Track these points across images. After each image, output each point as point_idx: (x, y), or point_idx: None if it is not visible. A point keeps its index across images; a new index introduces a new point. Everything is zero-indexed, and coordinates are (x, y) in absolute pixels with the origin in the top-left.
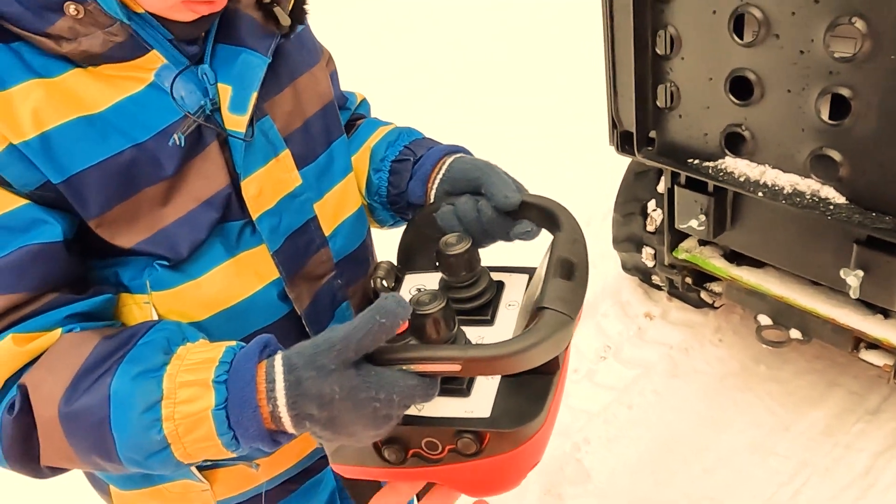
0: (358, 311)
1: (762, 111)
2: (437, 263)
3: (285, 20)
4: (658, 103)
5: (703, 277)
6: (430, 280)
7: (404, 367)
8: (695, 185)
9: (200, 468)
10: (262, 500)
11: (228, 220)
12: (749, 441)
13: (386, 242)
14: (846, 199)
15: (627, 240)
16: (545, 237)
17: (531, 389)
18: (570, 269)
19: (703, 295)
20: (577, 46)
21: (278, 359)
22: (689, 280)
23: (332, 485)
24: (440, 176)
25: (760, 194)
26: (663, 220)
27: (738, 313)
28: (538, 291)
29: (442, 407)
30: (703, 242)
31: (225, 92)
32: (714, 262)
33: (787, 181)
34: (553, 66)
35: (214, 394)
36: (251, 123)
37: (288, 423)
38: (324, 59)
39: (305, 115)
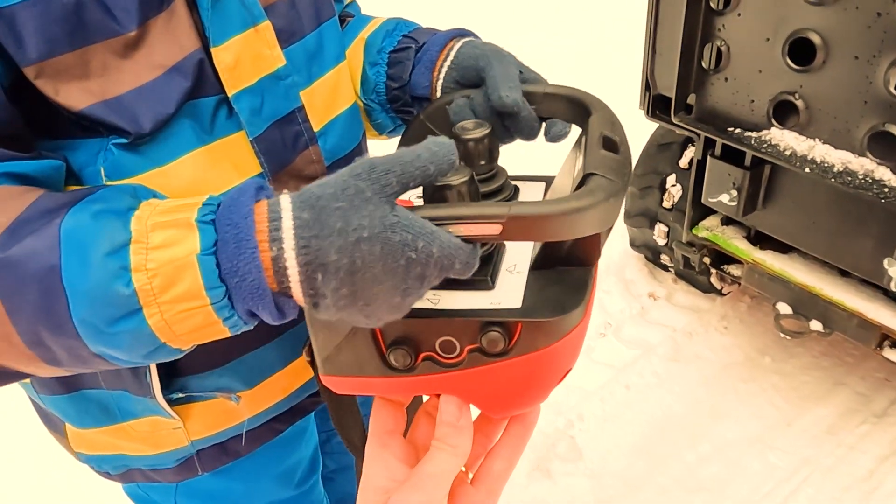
0: None
1: (821, 79)
2: None
3: None
4: (703, 64)
5: (721, 258)
6: None
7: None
8: (730, 157)
9: (172, 403)
10: (243, 441)
11: (201, 94)
12: (749, 433)
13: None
14: None
15: (641, 214)
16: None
17: (566, 281)
18: (612, 144)
19: (713, 279)
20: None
21: (285, 196)
22: (707, 260)
23: (316, 439)
24: (448, 63)
25: (808, 170)
26: (685, 194)
27: (745, 302)
28: (577, 166)
29: (462, 300)
30: (725, 221)
31: None
32: (736, 244)
33: (837, 158)
34: (578, 14)
35: (199, 234)
36: None
37: (294, 276)
38: None
39: None
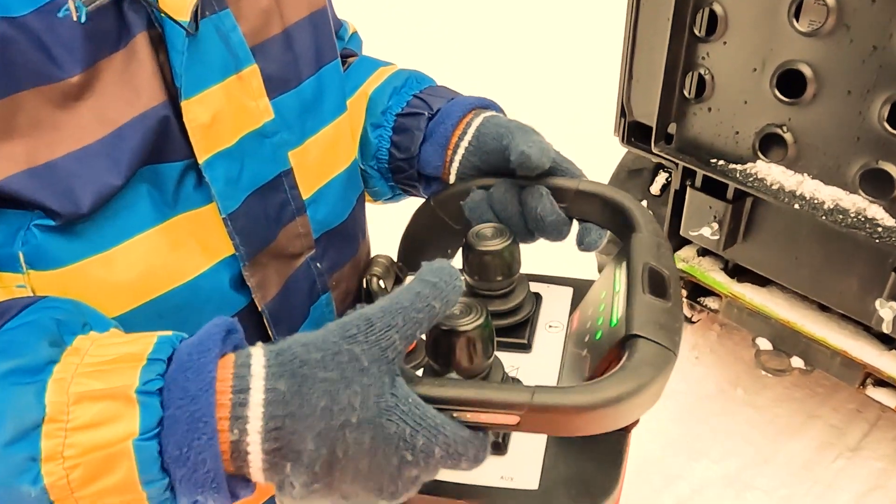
0: (343, 312)
1: (811, 113)
2: (464, 262)
3: None
4: (685, 93)
5: (698, 290)
6: None
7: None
8: (711, 189)
9: None
10: None
11: (162, 159)
12: (725, 471)
13: (383, 222)
14: None
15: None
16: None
17: (594, 451)
18: (660, 283)
19: (684, 308)
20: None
21: (258, 354)
22: (684, 291)
23: None
24: (465, 142)
25: (797, 206)
26: (660, 224)
27: (715, 330)
28: (618, 310)
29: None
30: (702, 252)
31: None
32: (714, 276)
33: (828, 195)
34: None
35: (140, 411)
36: (200, 13)
37: (256, 464)
38: None
39: (287, 21)
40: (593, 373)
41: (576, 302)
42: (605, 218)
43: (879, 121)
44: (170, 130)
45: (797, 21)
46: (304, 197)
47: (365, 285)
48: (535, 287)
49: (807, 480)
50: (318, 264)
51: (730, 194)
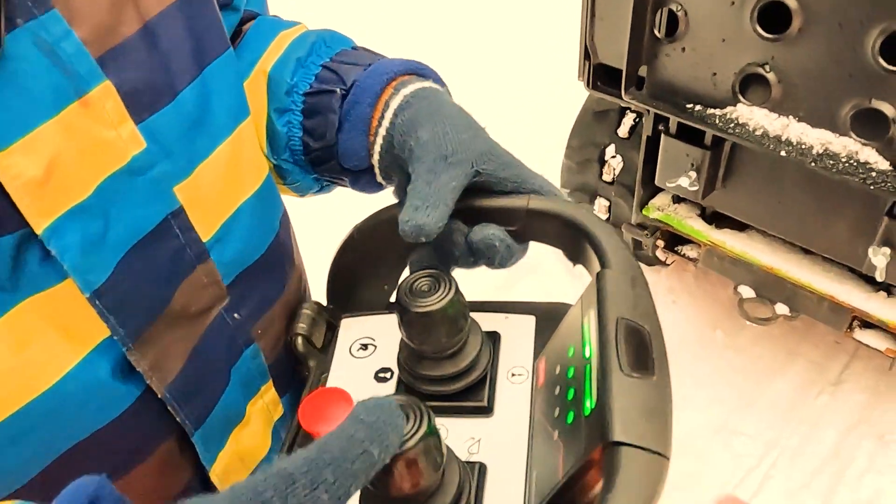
0: (275, 361)
1: (798, 49)
2: (400, 323)
3: None
4: (655, 32)
5: (675, 239)
6: (382, 328)
7: None
8: (687, 136)
9: None
10: None
11: None
12: (712, 420)
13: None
14: (891, 165)
15: (580, 190)
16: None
17: None
18: (640, 347)
19: (658, 252)
20: None
21: None
22: (660, 243)
23: None
24: (384, 129)
25: (784, 153)
26: (629, 168)
27: (689, 271)
28: (591, 391)
29: None
30: (677, 199)
31: None
32: (691, 224)
33: (816, 139)
34: None
35: None
36: (6, 23)
37: None
38: None
39: (146, 12)
40: (568, 475)
41: (540, 335)
42: (564, 241)
43: (873, 55)
44: None
45: None
46: (205, 238)
47: (292, 346)
48: (489, 322)
49: (792, 421)
50: (234, 315)
51: (708, 140)
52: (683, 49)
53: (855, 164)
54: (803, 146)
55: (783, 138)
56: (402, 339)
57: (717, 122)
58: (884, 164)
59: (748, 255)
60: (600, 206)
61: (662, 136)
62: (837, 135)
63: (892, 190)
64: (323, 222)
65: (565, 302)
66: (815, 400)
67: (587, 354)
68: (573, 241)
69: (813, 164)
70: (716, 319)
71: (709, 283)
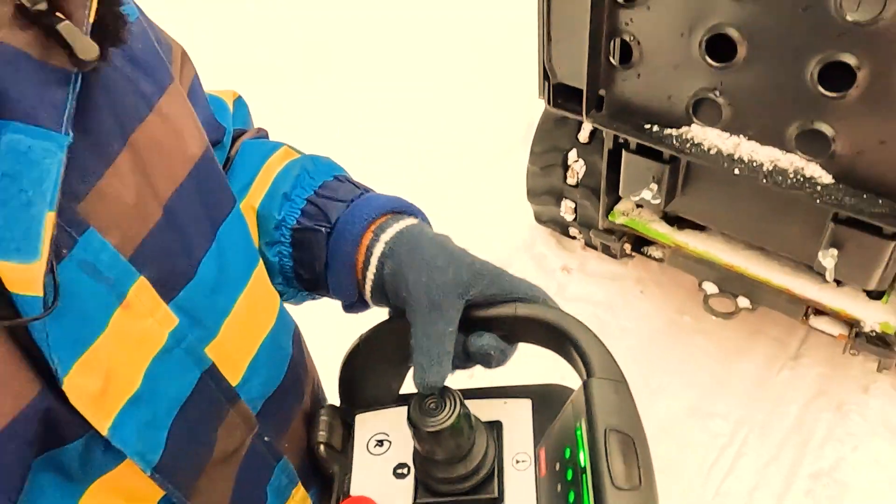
0: (301, 469)
1: (744, 76)
2: (414, 437)
3: (88, 49)
4: (611, 60)
5: (641, 241)
6: (394, 422)
7: None
8: (648, 151)
9: None
10: None
11: (57, 443)
12: (687, 404)
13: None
14: (833, 179)
15: (546, 193)
16: None
17: None
18: (628, 457)
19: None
20: None
21: None
22: (627, 246)
23: None
24: (371, 273)
25: (737, 171)
26: (599, 176)
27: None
28: (588, 499)
29: None
30: (640, 203)
31: None
32: (655, 227)
33: (766, 156)
34: None
35: None
36: (56, 257)
37: None
38: (176, 72)
39: (163, 195)
40: None
41: (537, 418)
42: (550, 343)
43: (812, 82)
44: (57, 416)
45: None
46: (234, 383)
47: (315, 450)
48: (489, 409)
49: (759, 398)
50: (265, 439)
51: (667, 155)
52: (639, 75)
53: (802, 178)
54: (754, 163)
55: (735, 156)
56: (413, 448)
57: (674, 142)
58: (827, 178)
59: (710, 254)
60: (566, 207)
61: (624, 151)
62: (785, 152)
63: (836, 202)
64: (328, 317)
65: (556, 383)
66: (777, 376)
67: (582, 462)
68: (558, 343)
69: (764, 180)
70: (682, 305)
71: (674, 271)
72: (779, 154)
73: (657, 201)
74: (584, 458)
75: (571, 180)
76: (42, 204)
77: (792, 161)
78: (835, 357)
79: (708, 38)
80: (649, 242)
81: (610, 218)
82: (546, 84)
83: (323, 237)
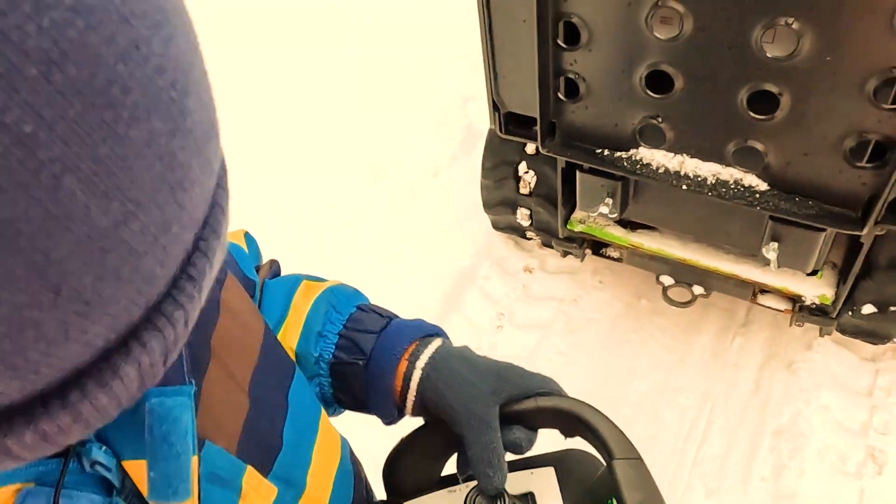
0: None
1: (682, 105)
2: None
3: None
4: (560, 95)
5: (600, 244)
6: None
7: None
8: (601, 171)
9: None
10: None
11: None
12: (655, 382)
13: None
14: (769, 185)
15: (501, 204)
16: None
17: None
18: None
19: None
20: None
21: None
22: (588, 251)
23: None
24: (412, 395)
25: (684, 187)
26: (550, 184)
27: None
28: None
29: None
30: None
31: (139, 471)
32: (611, 231)
33: (708, 171)
34: None
35: None
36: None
37: None
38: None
39: (244, 385)
40: None
41: (563, 484)
42: (569, 428)
43: (743, 108)
44: None
45: (656, 28)
46: None
47: None
48: (519, 482)
49: (717, 368)
50: None
51: (618, 173)
52: (587, 107)
53: (742, 188)
54: (699, 178)
55: (682, 173)
56: None
57: (625, 164)
58: (764, 186)
59: (664, 251)
60: (522, 214)
61: (578, 171)
62: (725, 166)
63: (773, 207)
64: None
65: (571, 448)
66: (731, 344)
67: None
68: (577, 429)
69: (709, 193)
70: (638, 290)
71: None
72: (720, 168)
73: (614, 214)
74: None
75: (524, 190)
76: (187, 453)
77: (732, 173)
78: (778, 319)
79: (646, 74)
80: (607, 245)
81: (568, 227)
82: (496, 114)
83: (360, 369)
